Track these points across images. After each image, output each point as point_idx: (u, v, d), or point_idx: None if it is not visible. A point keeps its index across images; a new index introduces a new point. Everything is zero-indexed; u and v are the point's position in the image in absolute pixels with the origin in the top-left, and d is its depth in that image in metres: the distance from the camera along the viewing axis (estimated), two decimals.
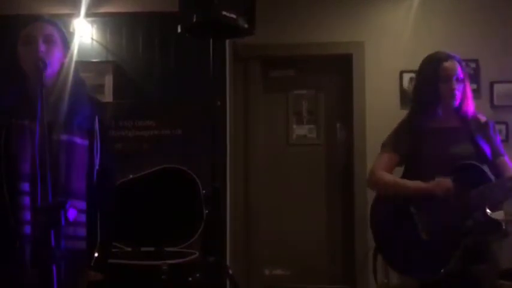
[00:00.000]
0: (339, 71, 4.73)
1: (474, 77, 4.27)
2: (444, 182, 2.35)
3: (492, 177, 2.36)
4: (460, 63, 2.48)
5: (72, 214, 1.67)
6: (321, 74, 4.80)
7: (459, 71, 2.45)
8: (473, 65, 4.30)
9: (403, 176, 2.55)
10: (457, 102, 2.45)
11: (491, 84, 4.36)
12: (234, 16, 2.67)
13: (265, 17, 3.48)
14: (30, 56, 1.93)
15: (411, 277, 2.51)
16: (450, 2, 4.45)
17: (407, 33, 4.36)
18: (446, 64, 2.44)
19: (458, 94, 2.44)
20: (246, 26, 2.75)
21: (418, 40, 4.31)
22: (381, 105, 4.42)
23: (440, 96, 2.44)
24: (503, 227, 2.29)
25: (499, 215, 2.37)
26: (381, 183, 2.53)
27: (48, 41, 1.98)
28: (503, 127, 4.24)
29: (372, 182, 2.57)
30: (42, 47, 1.95)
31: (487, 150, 2.44)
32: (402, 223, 2.45)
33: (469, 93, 2.49)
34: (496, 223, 2.30)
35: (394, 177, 2.54)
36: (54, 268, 1.60)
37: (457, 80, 2.44)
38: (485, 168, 2.39)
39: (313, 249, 4.68)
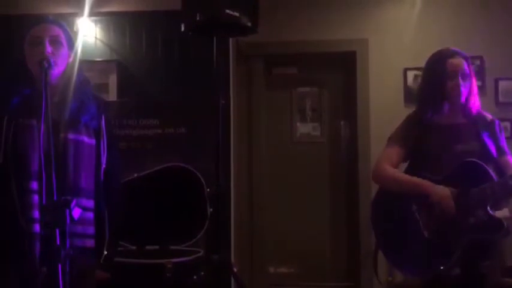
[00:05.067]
0: (342, 68, 4.73)
1: (479, 73, 4.25)
2: (443, 190, 2.35)
3: (494, 175, 2.35)
4: (466, 59, 2.48)
5: (77, 213, 1.68)
6: (324, 71, 4.80)
7: (465, 68, 2.46)
8: (477, 61, 4.28)
9: (407, 171, 2.56)
10: (463, 99, 2.45)
11: (496, 81, 4.35)
12: (237, 14, 2.66)
13: (268, 14, 3.48)
14: (36, 56, 1.95)
15: (411, 274, 2.53)
16: None
17: (411, 30, 4.35)
18: (452, 60, 2.45)
19: (464, 91, 2.45)
20: (249, 24, 2.74)
21: (422, 37, 4.30)
22: (385, 103, 4.41)
23: (447, 93, 2.45)
24: (505, 226, 2.27)
25: (503, 213, 2.36)
26: (384, 176, 2.54)
27: (54, 41, 2.01)
28: (507, 124, 4.22)
29: (376, 175, 2.58)
30: (49, 48, 1.97)
31: (492, 148, 2.44)
32: (403, 220, 2.46)
33: (475, 90, 2.50)
34: (498, 222, 2.29)
35: (397, 171, 2.54)
36: (60, 267, 1.60)
37: (463, 76, 2.44)
38: (488, 167, 2.38)
39: (318, 247, 4.68)
